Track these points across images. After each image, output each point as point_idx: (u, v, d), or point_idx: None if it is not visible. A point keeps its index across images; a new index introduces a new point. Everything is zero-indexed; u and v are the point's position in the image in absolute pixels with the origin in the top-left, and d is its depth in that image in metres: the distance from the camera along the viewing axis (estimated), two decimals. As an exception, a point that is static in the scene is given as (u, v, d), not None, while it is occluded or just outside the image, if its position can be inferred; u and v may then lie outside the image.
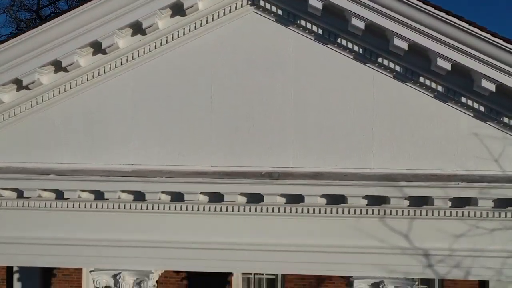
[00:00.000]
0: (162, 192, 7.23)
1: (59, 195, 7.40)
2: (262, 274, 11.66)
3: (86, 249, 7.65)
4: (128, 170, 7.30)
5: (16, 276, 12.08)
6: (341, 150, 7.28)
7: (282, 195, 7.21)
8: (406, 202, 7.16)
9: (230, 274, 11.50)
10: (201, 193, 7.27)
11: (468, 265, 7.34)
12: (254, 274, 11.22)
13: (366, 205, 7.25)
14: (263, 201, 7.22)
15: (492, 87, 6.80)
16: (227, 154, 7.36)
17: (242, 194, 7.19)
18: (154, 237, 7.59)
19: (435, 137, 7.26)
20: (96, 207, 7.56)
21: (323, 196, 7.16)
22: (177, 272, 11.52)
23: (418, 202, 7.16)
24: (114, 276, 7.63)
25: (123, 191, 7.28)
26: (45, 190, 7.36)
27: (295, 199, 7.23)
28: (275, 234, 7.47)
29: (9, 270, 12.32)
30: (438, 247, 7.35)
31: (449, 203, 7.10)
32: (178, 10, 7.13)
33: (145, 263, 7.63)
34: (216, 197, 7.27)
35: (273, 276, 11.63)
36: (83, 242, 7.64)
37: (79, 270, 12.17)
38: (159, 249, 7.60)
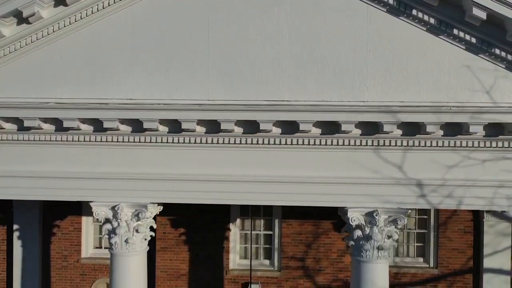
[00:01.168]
0: (160, 121, 7.34)
1: (59, 126, 7.53)
2: (260, 230, 11.79)
3: (85, 182, 7.79)
4: (126, 103, 7.43)
5: (16, 234, 12.21)
6: (335, 83, 7.41)
7: (277, 124, 7.32)
8: (399, 131, 7.29)
9: (228, 229, 11.62)
10: (198, 123, 7.40)
11: (460, 195, 7.47)
12: (251, 230, 11.32)
13: (360, 135, 7.37)
14: (259, 132, 7.35)
15: (483, 15, 6.94)
16: (223, 88, 7.49)
17: (238, 122, 7.31)
18: (152, 170, 7.72)
19: (427, 70, 7.40)
20: (95, 140, 7.68)
21: (317, 125, 7.28)
22: (176, 228, 11.64)
23: (411, 131, 7.29)
24: (113, 208, 7.75)
25: (121, 121, 7.39)
26: (45, 120, 7.48)
27: (290, 129, 7.35)
28: (271, 166, 7.60)
29: (9, 229, 12.45)
30: (431, 177, 7.48)
31: (441, 132, 7.23)
32: None
33: (142, 195, 7.75)
34: (212, 127, 7.39)
35: (270, 232, 11.76)
36: (82, 175, 7.77)
37: (78, 229, 12.28)
38: (157, 182, 7.73)
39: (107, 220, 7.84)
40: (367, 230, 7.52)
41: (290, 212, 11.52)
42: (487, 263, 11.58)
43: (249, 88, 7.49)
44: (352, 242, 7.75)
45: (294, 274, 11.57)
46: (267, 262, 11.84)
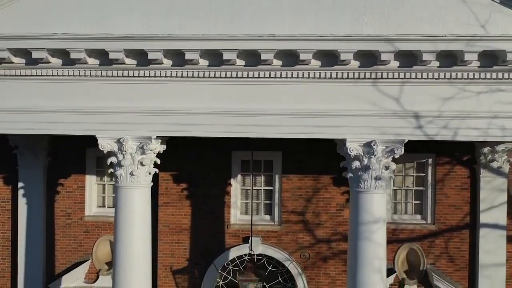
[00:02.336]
0: (164, 53, 7.54)
1: (66, 60, 7.75)
2: (260, 185, 11.99)
3: (91, 116, 8.01)
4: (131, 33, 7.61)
5: (21, 192, 12.40)
6: (334, 19, 7.58)
7: (278, 56, 7.53)
8: (397, 63, 7.51)
9: (229, 184, 11.82)
10: (201, 56, 7.61)
11: (456, 126, 7.69)
12: (252, 186, 11.51)
13: (359, 67, 7.60)
14: (260, 64, 7.56)
15: None
16: (225, 21, 7.67)
17: (240, 55, 7.52)
18: (156, 104, 7.94)
19: (424, 3, 7.59)
20: (101, 75, 7.90)
21: (317, 56, 7.50)
22: (178, 183, 11.84)
23: (409, 61, 7.51)
24: (118, 141, 7.95)
25: (126, 54, 7.60)
26: (53, 53, 7.69)
27: (290, 60, 7.57)
28: (272, 100, 7.82)
29: (14, 189, 12.64)
30: (428, 109, 7.71)
31: (437, 63, 7.46)
32: None
33: (147, 128, 7.96)
34: (215, 59, 7.60)
35: (271, 188, 11.96)
36: (88, 109, 7.99)
37: (82, 188, 12.47)
38: (161, 115, 7.95)
39: (112, 153, 8.05)
40: (365, 161, 7.74)
41: (291, 167, 11.74)
42: (483, 218, 11.78)
43: (252, 21, 7.62)
44: (350, 174, 7.96)
45: (294, 228, 11.78)
46: (267, 217, 12.04)
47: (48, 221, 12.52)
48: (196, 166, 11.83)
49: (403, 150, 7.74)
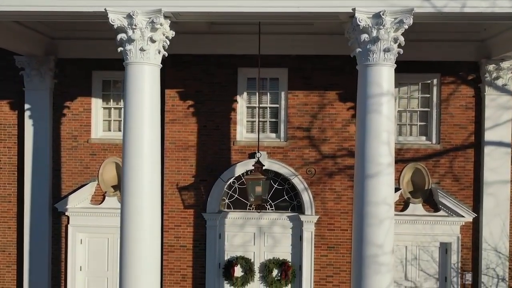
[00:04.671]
0: None
1: None
2: (266, 103, 12.02)
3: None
4: None
5: (27, 114, 12.44)
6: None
7: None
8: None
9: (235, 101, 11.85)
10: None
11: (463, -4, 7.72)
12: (258, 101, 11.54)
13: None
14: None
15: None
16: None
17: None
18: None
19: None
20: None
21: None
22: (184, 100, 11.87)
23: None
24: (128, 16, 7.97)
25: None
26: None
27: None
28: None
29: (20, 114, 12.69)
30: (437, -19, 7.73)
31: None
32: None
33: (156, 4, 7.97)
34: None
35: (277, 105, 12.00)
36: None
37: (88, 110, 12.52)
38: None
39: (122, 30, 8.08)
40: (374, 32, 7.78)
41: (297, 84, 11.80)
42: (488, 136, 11.87)
43: None
44: (359, 49, 8.00)
45: (299, 144, 11.83)
46: (273, 135, 12.09)
47: (54, 143, 12.59)
48: (202, 83, 11.90)
49: (411, 20, 7.77)
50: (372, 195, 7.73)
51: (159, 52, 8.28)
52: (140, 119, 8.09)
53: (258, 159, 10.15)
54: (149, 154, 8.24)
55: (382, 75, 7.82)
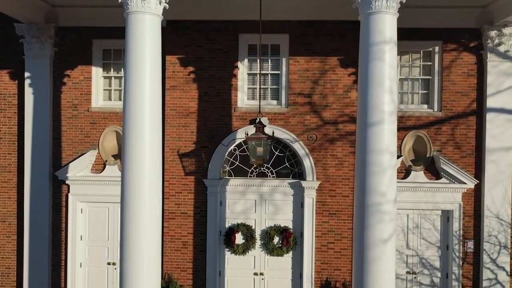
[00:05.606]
0: None
1: None
2: (267, 70, 11.99)
3: None
4: None
5: (27, 82, 12.39)
6: None
7: None
8: None
9: (236, 67, 11.79)
10: None
11: None
12: (260, 72, 11.48)
13: None
14: None
15: None
16: None
17: None
18: None
19: None
20: None
21: None
22: (185, 67, 11.82)
23: None
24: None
25: None
26: None
27: None
28: None
29: (20, 83, 12.63)
30: None
31: None
32: None
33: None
34: None
35: (278, 72, 11.94)
36: None
37: (89, 79, 12.46)
38: None
39: (124, -23, 8.05)
40: (377, -21, 7.75)
41: (298, 50, 11.75)
42: (490, 103, 11.83)
43: None
44: (361, -5, 7.97)
45: (301, 110, 11.78)
46: (274, 102, 12.05)
47: (55, 112, 12.54)
48: (203, 50, 11.86)
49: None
50: (375, 143, 7.69)
51: (160, 3, 8.23)
52: (141, 73, 8.04)
53: (260, 119, 10.10)
54: (150, 118, 8.18)
55: (385, 22, 7.79)
